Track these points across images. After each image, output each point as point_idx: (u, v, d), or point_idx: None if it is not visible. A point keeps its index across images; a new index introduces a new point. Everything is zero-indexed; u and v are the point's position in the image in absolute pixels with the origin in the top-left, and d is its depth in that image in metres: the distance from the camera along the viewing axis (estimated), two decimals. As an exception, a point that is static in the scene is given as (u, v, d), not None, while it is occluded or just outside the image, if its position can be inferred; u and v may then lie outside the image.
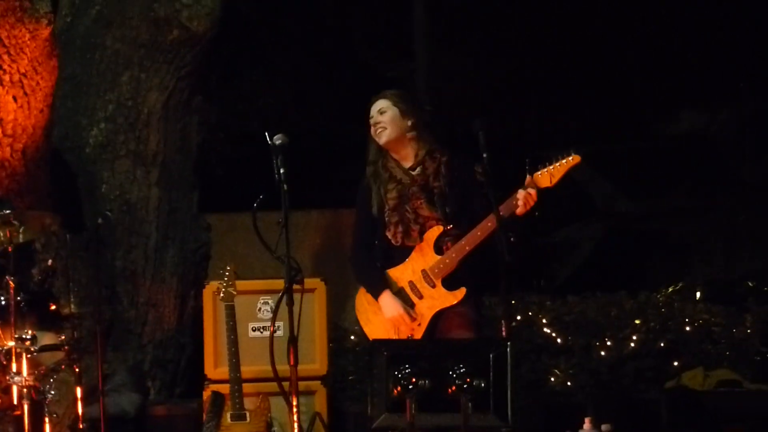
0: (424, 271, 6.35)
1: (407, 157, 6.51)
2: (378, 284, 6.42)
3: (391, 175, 6.48)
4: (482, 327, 6.42)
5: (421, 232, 6.39)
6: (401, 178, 6.46)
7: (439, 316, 6.36)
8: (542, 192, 6.23)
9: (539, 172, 6.25)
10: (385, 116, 6.47)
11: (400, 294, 6.38)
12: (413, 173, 6.46)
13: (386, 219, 6.44)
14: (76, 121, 8.76)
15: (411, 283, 6.38)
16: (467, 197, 6.37)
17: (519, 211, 6.19)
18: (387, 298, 6.37)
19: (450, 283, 6.34)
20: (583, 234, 12.26)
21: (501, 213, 6.05)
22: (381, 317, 6.40)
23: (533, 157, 6.35)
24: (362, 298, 6.53)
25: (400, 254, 6.43)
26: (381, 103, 6.52)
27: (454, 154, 6.46)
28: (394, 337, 6.30)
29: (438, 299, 6.34)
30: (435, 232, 6.37)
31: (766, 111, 12.57)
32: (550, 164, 6.24)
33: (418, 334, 6.34)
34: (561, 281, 11.67)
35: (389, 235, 6.42)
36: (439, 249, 6.36)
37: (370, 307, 6.47)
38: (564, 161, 6.23)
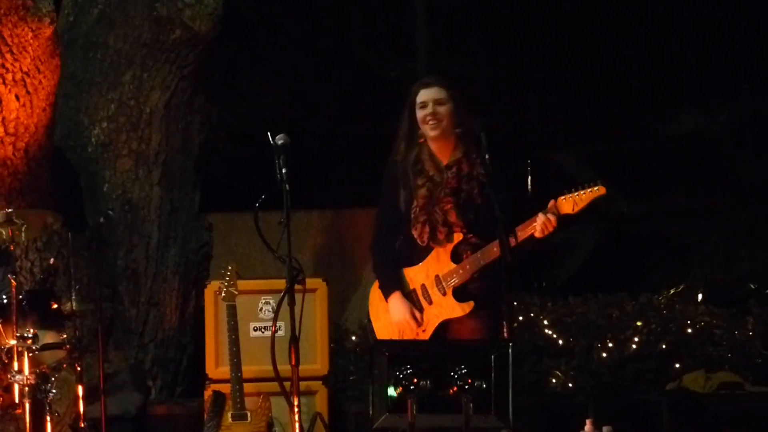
0: (437, 277, 6.21)
1: (444, 151, 6.25)
2: (390, 283, 6.26)
3: (423, 169, 6.24)
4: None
5: (448, 235, 6.18)
6: (433, 174, 6.22)
7: (449, 324, 6.21)
8: (562, 218, 6.13)
9: (563, 197, 6.11)
10: (443, 108, 6.19)
11: (410, 296, 6.25)
12: (448, 173, 6.21)
13: (413, 216, 6.23)
14: (78, 120, 8.77)
15: (423, 287, 6.24)
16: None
17: (536, 234, 6.07)
18: (396, 301, 6.23)
19: (461, 294, 6.18)
20: (583, 235, 12.23)
21: (519, 235, 5.93)
22: (389, 316, 6.28)
23: (533, 158, 6.31)
24: (376, 292, 6.37)
25: (423, 253, 6.24)
26: (439, 93, 6.22)
27: (486, 158, 6.06)
28: (398, 338, 6.20)
29: (445, 308, 6.20)
30: (455, 238, 6.18)
31: (766, 111, 12.54)
32: (575, 191, 6.11)
33: None
34: (562, 282, 11.66)
35: (415, 233, 6.22)
36: (456, 256, 6.19)
37: (382, 304, 6.32)
38: (589, 191, 6.11)
